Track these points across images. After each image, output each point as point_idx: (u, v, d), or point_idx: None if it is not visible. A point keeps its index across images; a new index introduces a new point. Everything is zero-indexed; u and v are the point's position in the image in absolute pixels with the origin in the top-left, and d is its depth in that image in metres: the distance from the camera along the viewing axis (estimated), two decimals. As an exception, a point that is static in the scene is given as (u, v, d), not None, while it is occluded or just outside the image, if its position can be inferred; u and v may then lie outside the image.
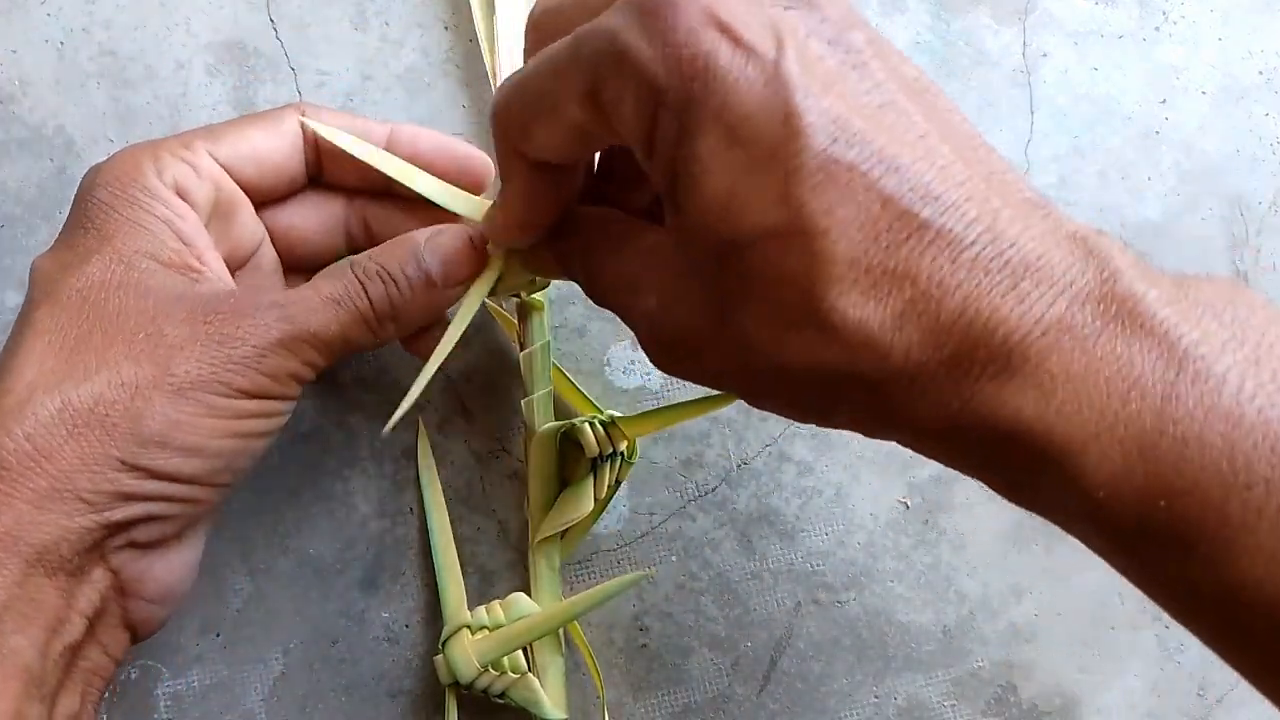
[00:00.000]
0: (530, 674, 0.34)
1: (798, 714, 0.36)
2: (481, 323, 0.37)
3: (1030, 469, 0.21)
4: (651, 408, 0.37)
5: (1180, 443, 0.20)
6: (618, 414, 0.35)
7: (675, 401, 0.37)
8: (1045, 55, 0.40)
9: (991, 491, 0.37)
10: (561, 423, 0.35)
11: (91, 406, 0.26)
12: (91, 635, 0.27)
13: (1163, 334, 0.21)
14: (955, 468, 0.24)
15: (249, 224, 0.32)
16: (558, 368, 0.37)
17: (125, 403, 0.26)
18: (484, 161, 0.32)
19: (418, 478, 0.36)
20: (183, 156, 0.29)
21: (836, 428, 0.25)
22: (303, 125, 0.31)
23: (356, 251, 0.34)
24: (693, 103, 0.22)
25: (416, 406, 0.37)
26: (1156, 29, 0.40)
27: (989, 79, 0.40)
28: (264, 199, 0.32)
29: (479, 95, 0.38)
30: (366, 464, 0.37)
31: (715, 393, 0.37)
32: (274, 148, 0.31)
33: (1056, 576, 0.37)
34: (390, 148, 0.32)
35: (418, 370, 0.37)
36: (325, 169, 0.33)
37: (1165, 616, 0.37)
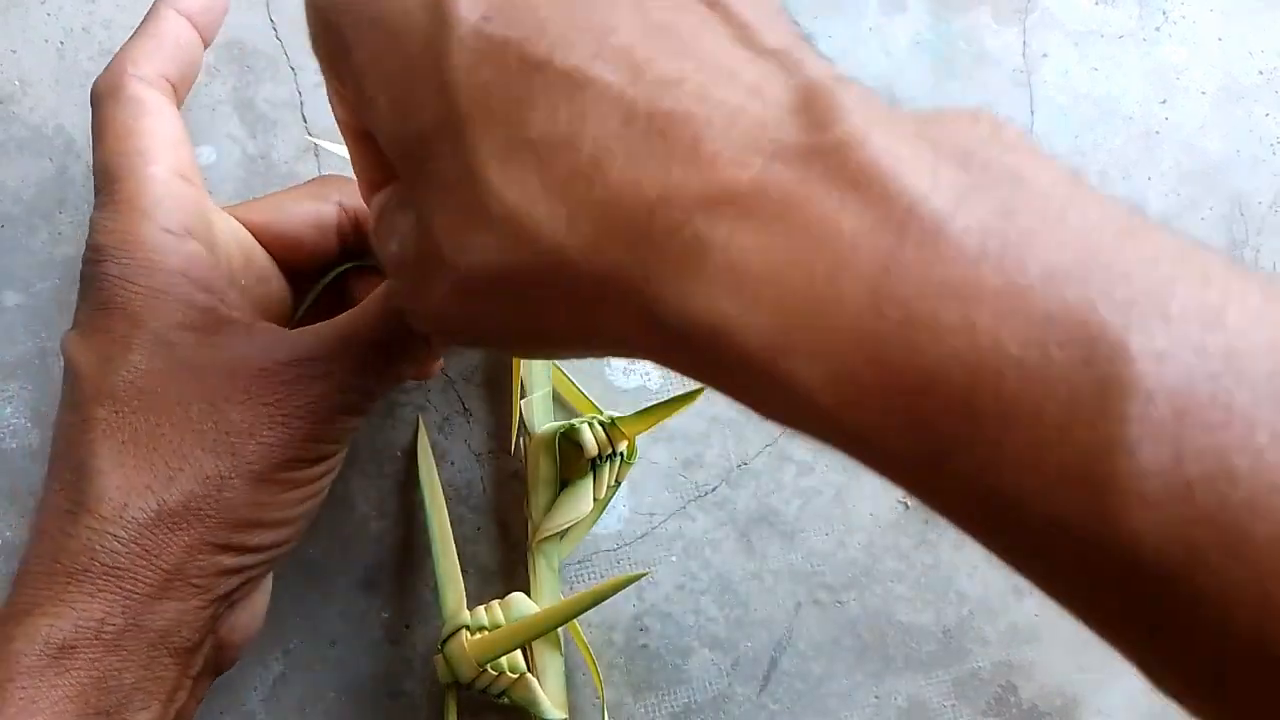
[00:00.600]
0: (529, 674, 0.34)
1: (798, 714, 0.36)
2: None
3: (750, 378, 0.17)
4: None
5: (905, 327, 0.16)
6: (617, 414, 0.35)
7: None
8: (1046, 55, 0.40)
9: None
10: (561, 423, 0.35)
11: (185, 504, 0.27)
12: (191, 691, 0.29)
13: (881, 188, 0.16)
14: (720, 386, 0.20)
15: (225, 227, 0.31)
16: (558, 368, 0.37)
17: (214, 496, 0.27)
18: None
19: (418, 478, 0.36)
20: (171, 194, 0.29)
21: (570, 354, 0.24)
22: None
23: (350, 256, 0.34)
24: (349, 11, 0.22)
25: (417, 407, 0.37)
26: (1157, 29, 0.40)
27: (989, 79, 0.40)
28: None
29: (479, 95, 0.38)
30: (366, 464, 0.37)
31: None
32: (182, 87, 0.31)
33: (1057, 577, 0.37)
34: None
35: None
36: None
37: (1166, 617, 0.37)
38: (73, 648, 0.26)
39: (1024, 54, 0.40)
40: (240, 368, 0.28)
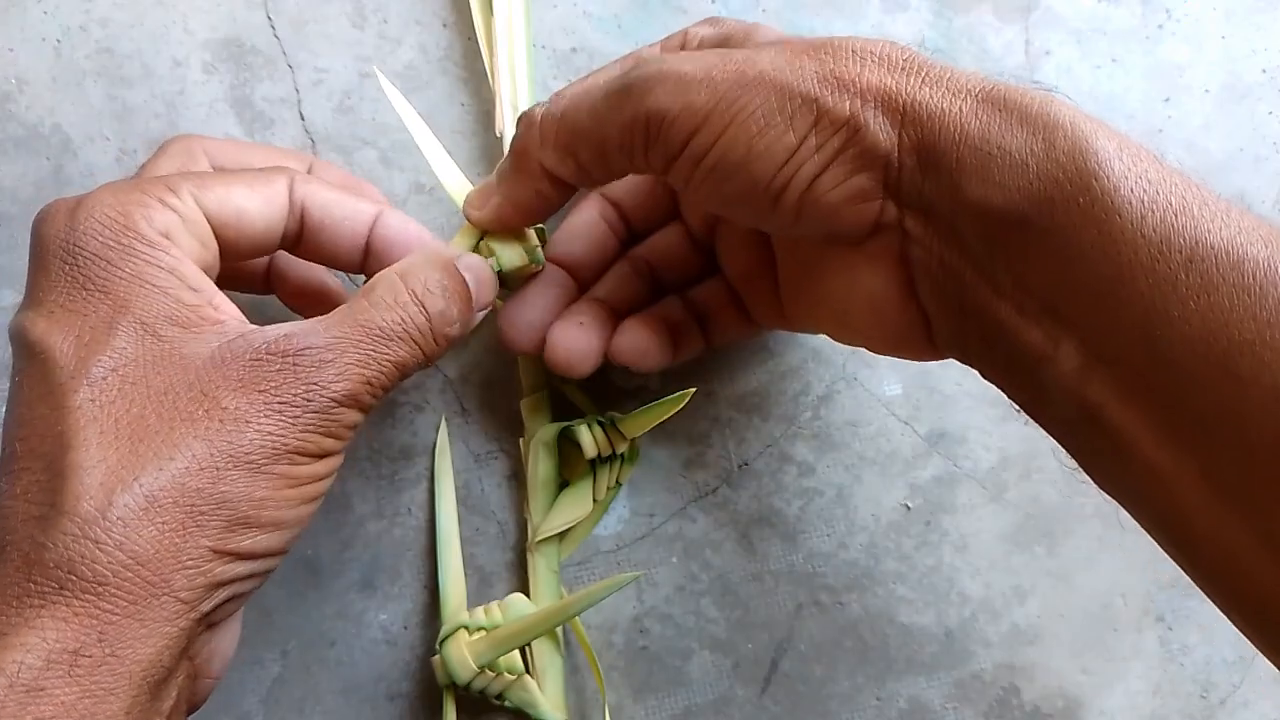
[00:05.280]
0: (527, 675, 0.34)
1: (799, 716, 0.36)
2: (479, 323, 0.37)
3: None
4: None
5: None
6: (617, 415, 0.35)
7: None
8: (1048, 53, 0.40)
9: (994, 493, 0.37)
10: (560, 424, 0.35)
11: (176, 498, 0.25)
12: None
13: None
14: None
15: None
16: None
17: (210, 488, 0.25)
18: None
19: (417, 478, 0.36)
20: (171, 205, 0.27)
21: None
22: (290, 187, 0.30)
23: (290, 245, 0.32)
24: None
25: (415, 407, 0.37)
26: (1160, 27, 0.40)
27: (991, 76, 0.39)
28: (232, 260, 0.30)
29: (477, 93, 0.38)
30: (364, 465, 0.36)
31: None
32: (259, 211, 0.29)
33: (1059, 578, 0.37)
34: (374, 236, 0.31)
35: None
36: (304, 241, 0.31)
37: (1168, 618, 0.37)
38: (41, 689, 0.23)
39: (1026, 52, 0.40)
40: (231, 356, 0.26)
